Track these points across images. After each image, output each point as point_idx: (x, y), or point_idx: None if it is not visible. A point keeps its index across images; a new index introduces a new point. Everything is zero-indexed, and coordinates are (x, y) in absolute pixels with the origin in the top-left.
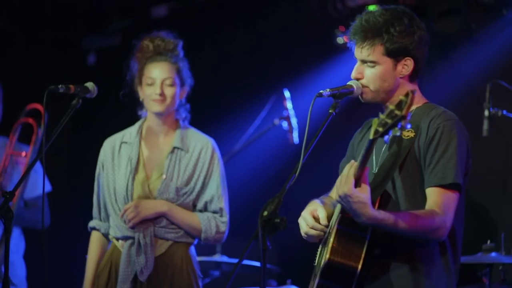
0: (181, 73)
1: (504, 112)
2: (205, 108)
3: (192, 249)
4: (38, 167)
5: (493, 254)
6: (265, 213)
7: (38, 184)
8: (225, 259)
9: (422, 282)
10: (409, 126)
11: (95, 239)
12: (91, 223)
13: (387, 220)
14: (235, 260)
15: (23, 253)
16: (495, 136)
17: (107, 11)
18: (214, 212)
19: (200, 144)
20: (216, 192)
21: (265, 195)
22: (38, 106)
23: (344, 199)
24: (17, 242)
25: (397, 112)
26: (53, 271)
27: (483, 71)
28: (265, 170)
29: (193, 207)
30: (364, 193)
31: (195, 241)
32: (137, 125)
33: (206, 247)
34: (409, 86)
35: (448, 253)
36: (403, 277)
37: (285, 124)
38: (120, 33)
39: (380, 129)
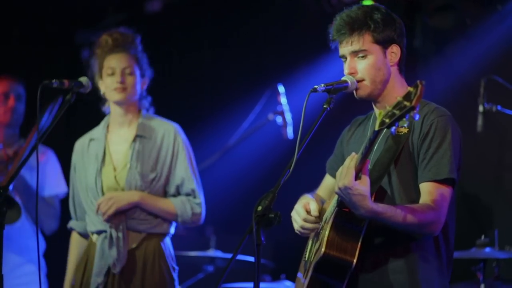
0: (141, 64)
1: (499, 107)
2: (200, 103)
3: (166, 241)
4: (55, 167)
5: (487, 249)
6: (259, 208)
7: (54, 184)
8: (219, 254)
9: (417, 276)
10: (417, 117)
11: (73, 239)
12: (69, 224)
13: (385, 213)
14: (229, 255)
15: (43, 251)
16: (489, 132)
17: (102, 6)
18: (187, 194)
19: (162, 130)
20: (185, 174)
21: (259, 190)
22: None
23: (344, 191)
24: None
25: (406, 103)
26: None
27: (478, 67)
28: (259, 165)
29: (164, 194)
30: (364, 186)
31: (171, 232)
32: (103, 121)
33: (200, 242)
34: (400, 77)
35: (441, 248)
36: (398, 271)
37: (279, 119)
38: (114, 28)
39: (387, 120)
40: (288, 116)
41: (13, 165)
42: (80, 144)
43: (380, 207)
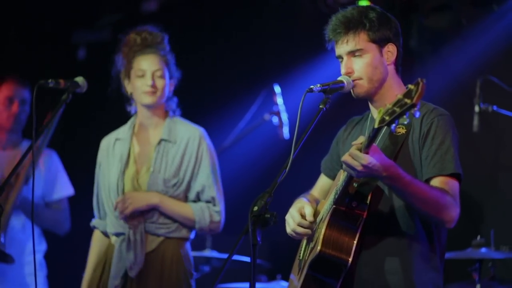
0: (170, 65)
1: (494, 107)
2: (196, 103)
3: (186, 245)
4: (60, 169)
5: (483, 249)
6: (256, 208)
7: (60, 187)
8: (215, 254)
9: (412, 277)
10: (418, 114)
11: (95, 237)
12: (92, 222)
13: (405, 177)
14: (225, 255)
15: (44, 253)
16: (485, 132)
17: (97, 6)
18: (207, 201)
19: (188, 135)
20: (206, 181)
21: (255, 190)
22: None
23: (366, 168)
24: (37, 243)
25: (406, 100)
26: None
27: (474, 67)
28: (256, 165)
29: (185, 199)
30: (377, 153)
31: (191, 237)
32: (130, 121)
33: (196, 242)
34: (397, 77)
35: (436, 249)
36: (393, 272)
37: (275, 119)
38: (110, 27)
39: (387, 118)
40: (284, 116)
41: (15, 188)
42: (106, 143)
43: (401, 170)
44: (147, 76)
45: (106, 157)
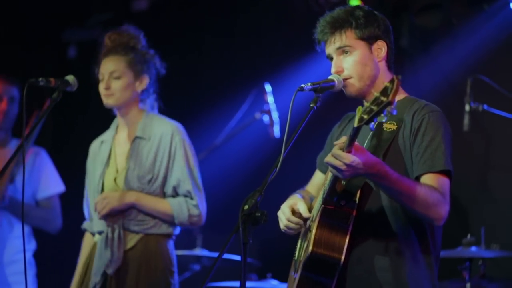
0: (134, 65)
1: (485, 107)
2: (187, 102)
3: (166, 242)
4: (50, 167)
5: (473, 248)
6: (246, 207)
7: (50, 184)
8: (205, 253)
9: (404, 275)
10: (395, 112)
11: (85, 239)
12: (83, 225)
13: (392, 174)
14: (215, 254)
15: (33, 252)
16: (475, 131)
17: (88, 4)
18: (184, 195)
19: (161, 130)
20: (181, 175)
21: (246, 189)
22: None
23: (350, 168)
24: (26, 241)
25: (382, 98)
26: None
27: (464, 66)
28: (246, 164)
29: (163, 195)
30: (361, 154)
31: (174, 232)
32: (113, 123)
33: (187, 241)
34: (389, 74)
35: (429, 247)
36: (385, 270)
37: (266, 118)
38: (100, 26)
39: (365, 116)
40: (275, 115)
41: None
42: (93, 147)
43: (388, 167)
44: (104, 79)
45: (92, 161)
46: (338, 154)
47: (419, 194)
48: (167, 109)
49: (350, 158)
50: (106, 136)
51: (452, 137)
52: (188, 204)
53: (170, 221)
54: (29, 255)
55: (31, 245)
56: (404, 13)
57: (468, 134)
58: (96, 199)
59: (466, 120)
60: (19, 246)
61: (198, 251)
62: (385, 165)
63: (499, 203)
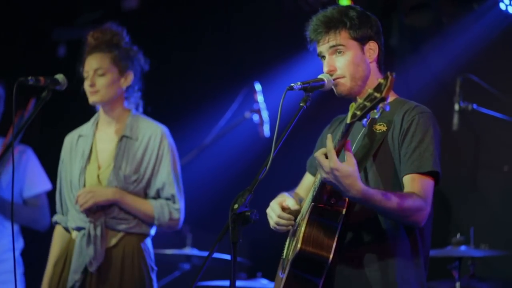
0: (119, 61)
1: (474, 106)
2: (176, 101)
3: (146, 241)
4: (36, 165)
5: (463, 247)
6: (236, 206)
7: (37, 182)
8: (195, 252)
9: (393, 274)
10: (388, 108)
11: (56, 233)
12: (54, 218)
13: (376, 195)
14: (205, 253)
15: (21, 251)
16: (465, 130)
17: (78, 3)
18: (167, 198)
19: (150, 132)
20: (167, 178)
21: (235, 188)
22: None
23: (331, 174)
24: (15, 240)
25: (376, 94)
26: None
27: (454, 65)
28: (236, 163)
29: (145, 196)
30: (351, 166)
31: (151, 233)
32: (93, 118)
33: (176, 240)
34: (379, 75)
35: (418, 246)
36: (374, 269)
37: (256, 117)
38: (90, 25)
39: (358, 113)
40: (265, 114)
41: None
42: (70, 139)
43: (371, 190)
44: (89, 76)
45: (69, 153)
46: (330, 155)
47: (402, 207)
48: (155, 108)
49: (336, 165)
50: (85, 130)
51: (441, 138)
52: (170, 208)
53: (149, 222)
54: (17, 253)
55: (19, 244)
56: (394, 12)
57: (457, 134)
58: (79, 192)
59: (456, 119)
60: (7, 245)
61: (188, 250)
62: (369, 190)
63: (488, 202)
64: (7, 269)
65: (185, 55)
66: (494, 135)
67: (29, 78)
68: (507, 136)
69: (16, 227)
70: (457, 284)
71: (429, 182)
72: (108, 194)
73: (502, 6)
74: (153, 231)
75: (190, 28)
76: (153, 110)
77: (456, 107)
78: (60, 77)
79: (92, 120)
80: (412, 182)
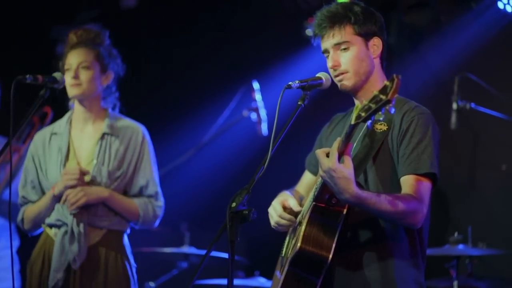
0: (102, 58)
1: (472, 105)
2: (175, 100)
3: (126, 238)
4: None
5: (460, 246)
6: (234, 204)
7: None
8: (193, 250)
9: (392, 273)
10: (393, 110)
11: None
12: (23, 207)
13: (370, 199)
14: (203, 252)
15: (17, 249)
16: (463, 129)
17: (76, 1)
18: (150, 196)
19: (131, 130)
20: (150, 176)
21: (233, 186)
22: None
23: (328, 174)
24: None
25: (382, 96)
26: None
27: (452, 64)
28: (234, 161)
29: (124, 193)
30: (348, 169)
31: (128, 230)
32: (66, 116)
33: (174, 238)
34: (381, 71)
35: (416, 245)
36: (373, 268)
37: (254, 116)
38: (89, 23)
39: (363, 114)
40: (263, 113)
41: None
42: (41, 137)
43: (365, 193)
44: (72, 68)
45: (42, 152)
46: (332, 154)
47: (398, 210)
48: (154, 107)
49: (334, 165)
50: (58, 128)
51: (440, 139)
52: (153, 205)
53: (133, 219)
54: (13, 251)
55: (15, 242)
56: (393, 11)
57: (455, 132)
58: (68, 191)
59: (454, 118)
60: (4, 243)
61: (186, 249)
62: (363, 193)
63: (486, 201)
64: (4, 266)
65: (183, 53)
66: (492, 134)
67: (27, 76)
68: (505, 135)
69: (13, 226)
70: (455, 283)
71: (426, 184)
72: (99, 192)
73: (500, 5)
74: (128, 228)
75: (188, 27)
76: (150, 109)
77: (454, 106)
78: (58, 75)
79: (65, 118)
80: (409, 184)
